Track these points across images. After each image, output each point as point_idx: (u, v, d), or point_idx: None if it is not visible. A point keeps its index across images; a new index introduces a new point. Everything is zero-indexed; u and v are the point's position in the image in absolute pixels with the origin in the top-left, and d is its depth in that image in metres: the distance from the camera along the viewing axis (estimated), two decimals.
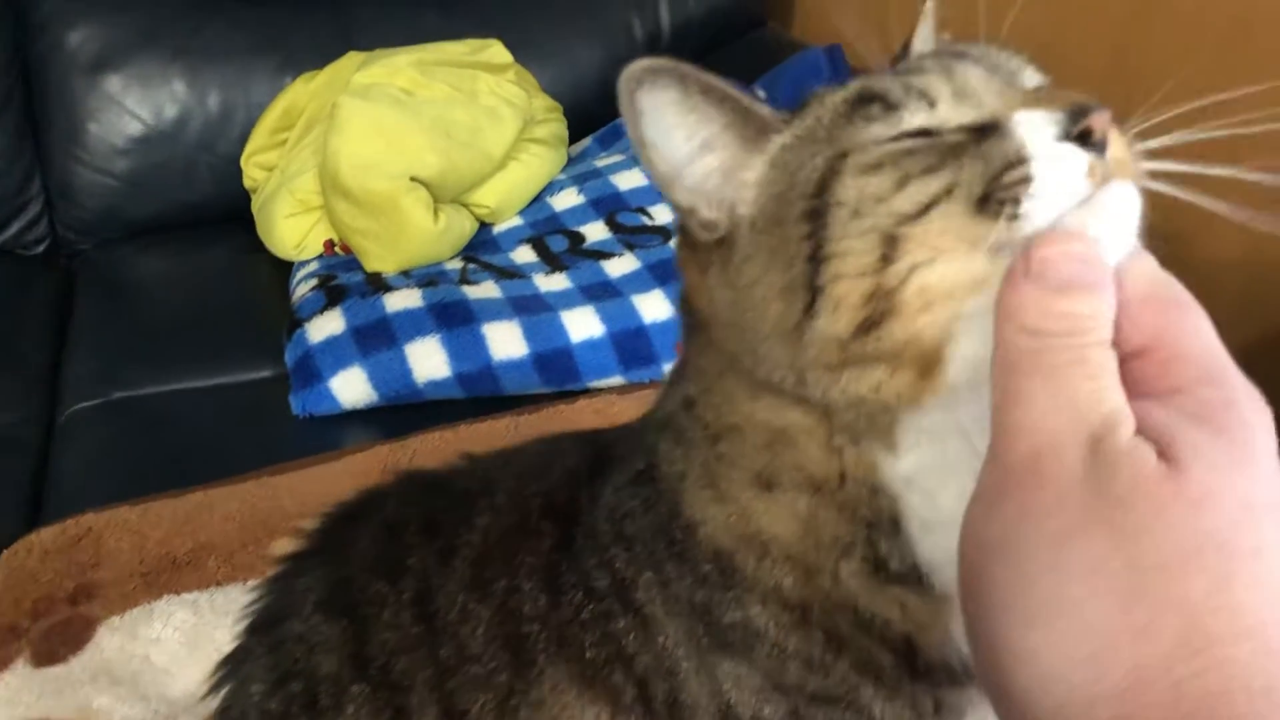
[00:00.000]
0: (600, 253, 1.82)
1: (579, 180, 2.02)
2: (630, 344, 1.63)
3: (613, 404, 1.52)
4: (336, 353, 1.59)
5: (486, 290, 1.69)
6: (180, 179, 2.15)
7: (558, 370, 1.61)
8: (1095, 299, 0.42)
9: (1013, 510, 0.40)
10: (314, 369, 1.58)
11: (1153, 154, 0.49)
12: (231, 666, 0.76)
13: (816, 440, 0.57)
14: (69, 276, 2.09)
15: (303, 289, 1.76)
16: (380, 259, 1.79)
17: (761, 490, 0.60)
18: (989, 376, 0.46)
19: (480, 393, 1.60)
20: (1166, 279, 0.45)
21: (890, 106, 0.53)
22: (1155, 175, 0.49)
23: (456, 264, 1.83)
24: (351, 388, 1.57)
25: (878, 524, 0.57)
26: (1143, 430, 0.40)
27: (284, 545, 1.26)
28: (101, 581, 1.25)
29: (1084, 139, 0.47)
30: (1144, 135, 0.50)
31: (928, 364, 0.50)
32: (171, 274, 2.05)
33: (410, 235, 1.76)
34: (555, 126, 2.07)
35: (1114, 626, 0.37)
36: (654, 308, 1.65)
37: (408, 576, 0.70)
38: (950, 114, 0.52)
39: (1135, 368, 0.42)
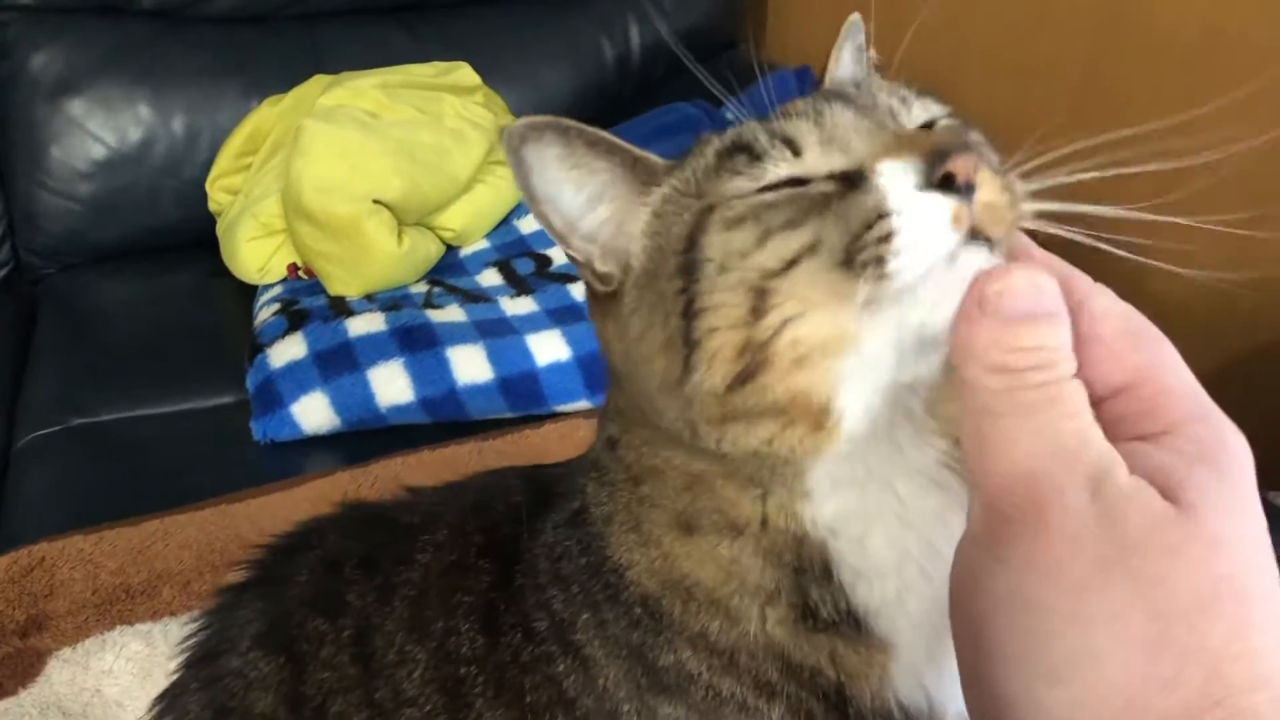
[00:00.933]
0: (567, 276, 1.81)
1: None
2: (597, 367, 1.59)
3: (579, 428, 1.51)
4: (298, 378, 1.57)
5: (451, 314, 1.68)
6: (144, 203, 2.13)
7: (523, 394, 1.59)
8: (1058, 328, 0.41)
9: (1019, 560, 0.39)
10: (275, 394, 1.56)
11: (1039, 195, 0.48)
12: (168, 701, 0.74)
13: (734, 484, 0.56)
14: (31, 301, 2.06)
15: (265, 313, 1.74)
16: (343, 282, 1.77)
17: (683, 534, 0.59)
18: (887, 425, 0.48)
19: (444, 417, 1.58)
20: (1134, 312, 0.44)
21: (755, 157, 0.52)
22: (1042, 216, 0.48)
23: (421, 287, 1.81)
24: (313, 413, 1.55)
25: (807, 570, 0.56)
26: (1140, 471, 0.39)
27: (237, 575, 1.25)
28: (53, 612, 1.23)
29: (947, 184, 0.45)
30: (1032, 175, 0.48)
31: (817, 416, 0.49)
32: (135, 299, 2.02)
33: (373, 258, 1.74)
34: None
35: (1141, 678, 0.36)
36: None
37: (347, 614, 0.69)
38: (817, 162, 0.51)
39: (1118, 404, 0.42)
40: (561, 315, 1.69)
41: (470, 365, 1.58)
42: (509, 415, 1.60)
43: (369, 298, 1.77)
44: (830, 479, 0.53)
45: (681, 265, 0.51)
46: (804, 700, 0.58)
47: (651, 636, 0.60)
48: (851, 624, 0.56)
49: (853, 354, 0.47)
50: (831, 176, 0.50)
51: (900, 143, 0.49)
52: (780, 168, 0.51)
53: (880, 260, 0.45)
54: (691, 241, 0.51)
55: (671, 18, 2.49)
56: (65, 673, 1.15)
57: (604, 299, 0.57)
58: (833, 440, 0.50)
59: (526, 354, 1.60)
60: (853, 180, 0.48)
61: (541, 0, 2.40)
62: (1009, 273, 0.42)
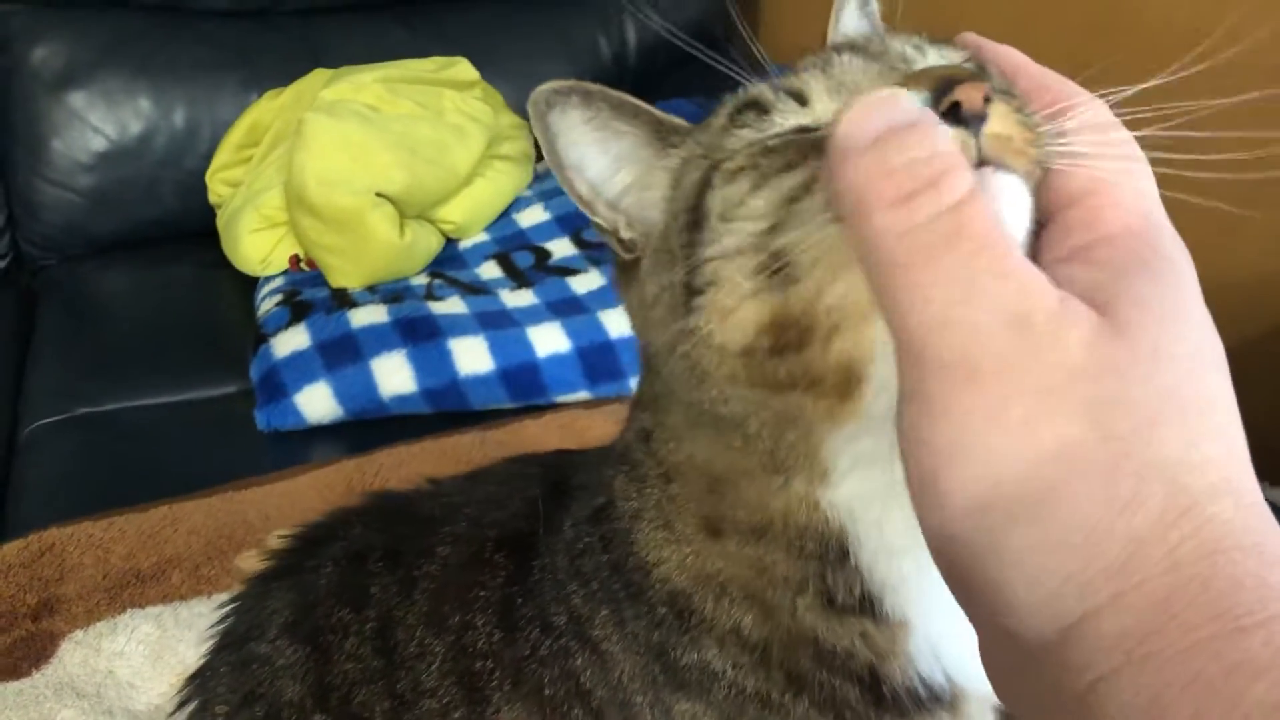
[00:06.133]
0: (566, 269, 1.83)
1: (545, 197, 2.04)
2: (597, 359, 1.64)
3: (579, 419, 1.53)
4: (302, 368, 1.59)
5: (453, 306, 1.70)
6: (145, 195, 2.14)
7: (524, 385, 1.61)
8: (926, 135, 0.38)
9: (960, 410, 0.36)
10: (279, 384, 1.58)
11: (1064, 134, 0.44)
12: (197, 684, 0.76)
13: (756, 484, 0.56)
14: (32, 293, 2.07)
15: (267, 304, 1.76)
16: (345, 275, 1.79)
17: (710, 536, 0.59)
18: None
19: (447, 408, 1.60)
20: (1116, 131, 0.43)
21: (763, 110, 0.51)
22: (1063, 156, 0.44)
23: (423, 280, 1.83)
24: (317, 403, 1.57)
25: (825, 557, 0.56)
26: (1072, 289, 0.37)
27: (247, 557, 1.27)
28: (65, 596, 1.25)
29: (954, 116, 0.42)
30: (1057, 115, 0.44)
31: (846, 385, 0.47)
32: (135, 290, 2.03)
33: (375, 251, 1.76)
34: (521, 143, 2.08)
35: (1102, 504, 0.34)
36: (620, 323, 1.65)
37: (370, 606, 0.70)
38: (825, 109, 0.49)
39: (1070, 214, 0.41)
40: (561, 308, 1.71)
41: (472, 356, 1.60)
42: (510, 405, 1.62)
43: (371, 289, 1.79)
44: (850, 456, 0.52)
45: (689, 222, 0.51)
46: (837, 687, 0.58)
47: (675, 635, 0.60)
48: (867, 606, 0.56)
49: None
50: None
51: (908, 79, 0.45)
52: (788, 119, 0.50)
53: None
54: (699, 197, 0.50)
55: (665, 14, 2.50)
56: (78, 655, 1.16)
57: (629, 268, 0.57)
58: (858, 411, 0.48)
59: (527, 345, 1.62)
60: None
61: None
62: (858, 102, 0.39)
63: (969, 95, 0.42)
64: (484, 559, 0.69)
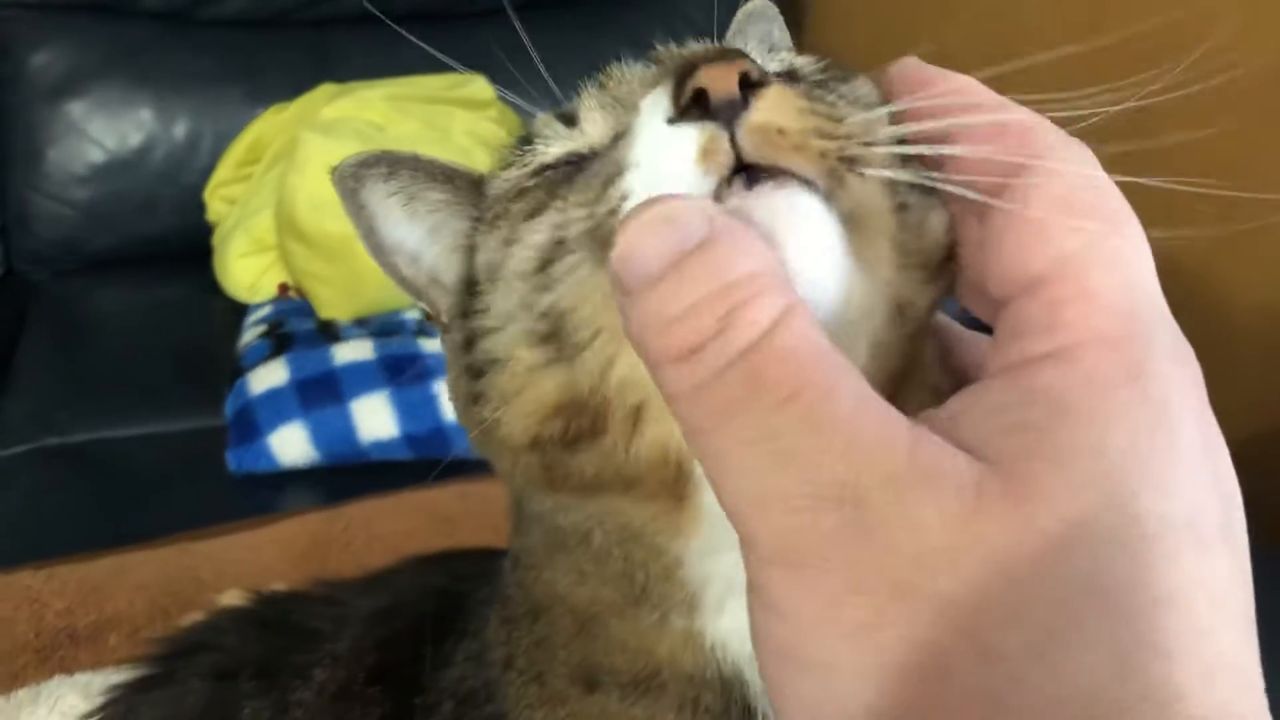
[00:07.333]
0: None
1: None
2: None
3: None
4: (277, 406, 1.49)
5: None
6: (141, 211, 2.05)
7: None
8: (716, 258, 0.28)
9: (791, 608, 0.28)
10: (253, 423, 1.49)
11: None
12: None
13: (626, 621, 0.44)
14: (19, 309, 1.99)
15: (250, 335, 1.67)
16: (334, 306, 1.69)
17: (586, 691, 0.47)
18: None
19: (429, 454, 1.50)
20: (1096, 180, 0.31)
21: (526, 141, 0.43)
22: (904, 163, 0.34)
23: (415, 313, 1.73)
24: (291, 445, 1.47)
25: (728, 713, 0.44)
26: (986, 426, 0.28)
27: (191, 619, 1.16)
28: None
29: (702, 107, 0.32)
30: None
31: (676, 484, 0.38)
32: (125, 310, 1.95)
33: (366, 283, 1.66)
34: None
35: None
36: None
37: None
38: (596, 130, 0.41)
39: (1021, 308, 0.30)
40: None
41: None
42: None
43: (360, 322, 1.69)
44: (719, 576, 0.41)
45: (463, 288, 0.43)
46: None
47: None
48: None
49: None
50: (607, 145, 0.39)
51: (659, 73, 0.38)
52: (552, 146, 0.42)
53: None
54: (469, 259, 0.43)
55: (701, 36, 2.39)
56: None
57: None
58: (699, 517, 0.38)
59: None
60: (619, 140, 0.37)
61: (565, 13, 2.32)
62: (628, 220, 0.30)
63: (715, 77, 0.32)
64: (356, 692, 0.59)
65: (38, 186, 2.02)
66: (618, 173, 0.35)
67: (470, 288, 0.43)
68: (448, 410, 1.48)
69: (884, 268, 0.34)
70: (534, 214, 0.39)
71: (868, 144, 0.34)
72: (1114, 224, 0.30)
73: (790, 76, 0.41)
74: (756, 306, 0.28)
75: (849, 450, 0.27)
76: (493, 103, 2.00)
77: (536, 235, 0.38)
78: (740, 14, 0.55)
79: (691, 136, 0.32)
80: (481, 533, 1.28)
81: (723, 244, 0.28)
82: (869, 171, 0.33)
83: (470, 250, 0.44)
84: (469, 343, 0.42)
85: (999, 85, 0.34)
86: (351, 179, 0.47)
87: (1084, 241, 0.29)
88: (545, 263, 0.37)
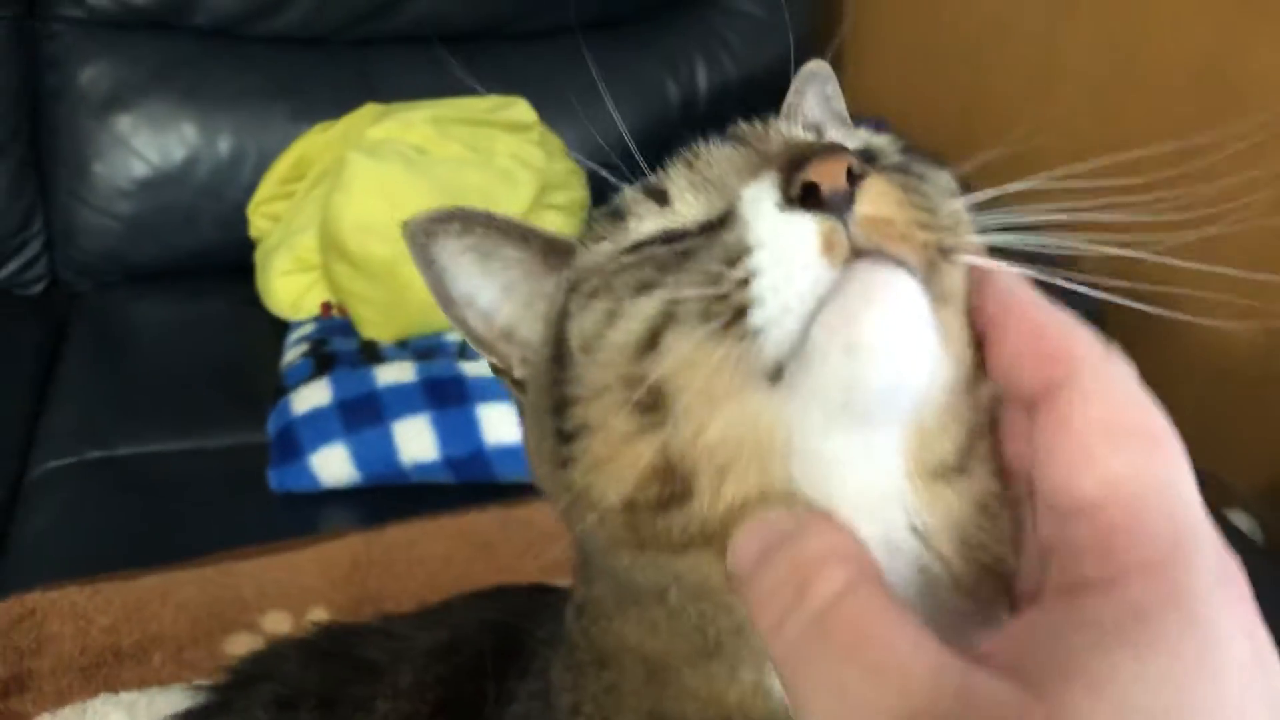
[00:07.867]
0: None
1: None
2: None
3: None
4: (320, 426, 1.49)
5: (485, 367, 1.59)
6: (184, 225, 2.07)
7: None
8: (792, 545, 0.35)
9: None
10: (295, 442, 1.49)
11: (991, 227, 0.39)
12: None
13: (698, 672, 0.45)
14: (63, 319, 2.01)
15: (292, 354, 1.67)
16: (376, 327, 1.70)
17: None
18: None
19: (470, 478, 1.50)
20: (1137, 399, 0.34)
21: (618, 216, 0.44)
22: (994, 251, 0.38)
23: (457, 335, 1.73)
24: (333, 466, 1.48)
25: None
26: (1035, 650, 0.30)
27: (239, 644, 1.17)
28: (38, 672, 1.16)
29: (814, 200, 0.35)
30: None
31: None
32: (167, 324, 1.97)
33: (409, 304, 1.66)
34: (575, 192, 1.98)
35: None
36: None
37: None
38: (688, 210, 0.43)
39: (1076, 530, 0.32)
40: None
41: (501, 425, 1.49)
42: None
43: (402, 344, 1.70)
44: None
45: (551, 356, 0.44)
46: None
47: None
48: None
49: (786, 448, 0.37)
50: (706, 225, 0.41)
51: (762, 161, 0.40)
52: (645, 223, 0.43)
53: (741, 312, 0.36)
54: (559, 328, 0.44)
55: (740, 61, 2.40)
56: None
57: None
58: None
59: None
60: (724, 222, 0.39)
61: (605, 37, 2.33)
62: (746, 525, 0.37)
63: (825, 172, 0.35)
64: None
65: (84, 199, 2.04)
66: (741, 253, 0.36)
67: (558, 353, 0.44)
68: (489, 434, 1.48)
69: (956, 344, 0.37)
70: (643, 289, 0.40)
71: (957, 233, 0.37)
72: (1156, 444, 0.33)
73: (868, 155, 0.43)
74: (823, 579, 0.34)
75: (902, 690, 0.30)
76: (534, 125, 2.01)
77: (647, 309, 0.39)
78: (800, 74, 0.57)
79: (810, 227, 0.35)
80: (521, 559, 1.29)
81: (800, 533, 0.35)
82: (961, 259, 0.37)
83: (559, 316, 0.45)
84: (558, 409, 0.42)
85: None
86: (423, 234, 0.48)
87: (1129, 466, 0.32)
88: (654, 335, 0.38)
